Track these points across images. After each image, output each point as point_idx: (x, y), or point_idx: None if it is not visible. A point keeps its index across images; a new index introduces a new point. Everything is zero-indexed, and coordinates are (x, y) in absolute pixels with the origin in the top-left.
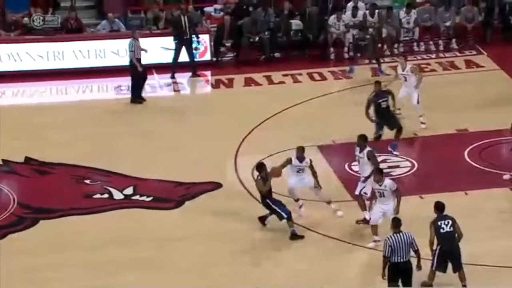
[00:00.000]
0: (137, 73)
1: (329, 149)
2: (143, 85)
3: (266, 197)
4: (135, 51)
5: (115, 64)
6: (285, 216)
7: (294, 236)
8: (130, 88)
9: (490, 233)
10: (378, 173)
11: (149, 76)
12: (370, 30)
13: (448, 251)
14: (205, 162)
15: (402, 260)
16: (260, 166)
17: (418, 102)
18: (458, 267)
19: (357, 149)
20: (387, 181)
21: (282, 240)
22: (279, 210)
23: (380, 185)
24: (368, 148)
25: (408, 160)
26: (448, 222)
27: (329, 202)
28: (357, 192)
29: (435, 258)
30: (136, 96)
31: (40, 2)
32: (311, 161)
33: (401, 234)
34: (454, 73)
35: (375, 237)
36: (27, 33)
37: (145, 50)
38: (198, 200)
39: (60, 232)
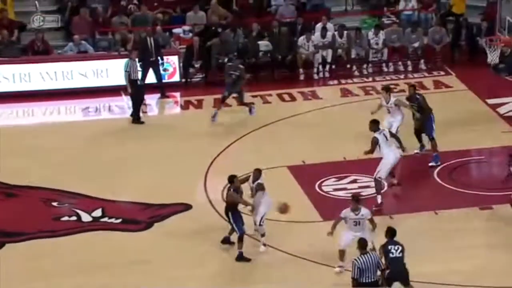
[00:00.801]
0: (129, 94)
1: (299, 169)
2: (138, 106)
3: (231, 209)
4: (130, 71)
5: (82, 86)
6: (238, 234)
7: (241, 258)
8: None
9: (458, 253)
10: (354, 202)
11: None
12: (339, 51)
13: (396, 274)
14: (174, 183)
15: (370, 280)
16: (232, 178)
17: (396, 132)
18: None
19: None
20: (364, 210)
21: (253, 262)
22: (235, 226)
23: (357, 214)
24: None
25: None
26: (398, 248)
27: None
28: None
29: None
30: (136, 117)
31: (6, 23)
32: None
33: (368, 255)
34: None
35: (340, 262)
36: None
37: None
38: (167, 222)
39: (27, 255)
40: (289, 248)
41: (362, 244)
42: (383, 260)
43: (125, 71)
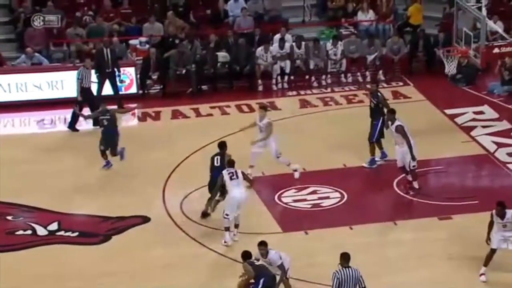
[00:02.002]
0: (77, 102)
1: (258, 180)
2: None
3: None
4: (82, 79)
5: (37, 98)
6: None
7: (204, 215)
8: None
9: (418, 263)
10: (261, 244)
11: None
12: (298, 62)
13: None
14: (132, 195)
15: None
16: (222, 144)
17: (278, 157)
18: None
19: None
20: (271, 254)
21: (214, 273)
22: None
23: (265, 259)
24: (397, 123)
25: (337, 191)
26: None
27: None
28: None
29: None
30: (71, 125)
31: None
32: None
33: (349, 269)
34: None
35: None
36: None
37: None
38: (125, 235)
39: None
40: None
41: (345, 257)
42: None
43: (77, 78)
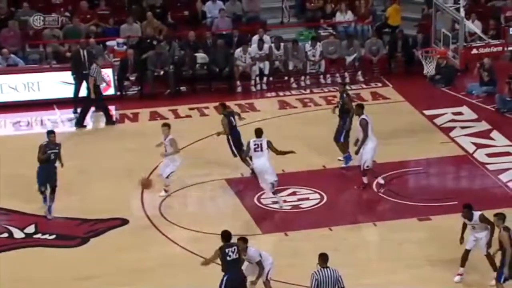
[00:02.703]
0: (89, 100)
1: (237, 182)
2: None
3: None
4: (96, 76)
5: (13, 99)
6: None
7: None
8: (79, 113)
9: (397, 264)
10: (240, 240)
11: (49, 111)
12: (277, 63)
13: None
14: (110, 198)
15: None
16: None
17: (167, 177)
18: None
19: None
20: (250, 251)
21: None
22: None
23: (244, 256)
24: (363, 117)
25: (317, 192)
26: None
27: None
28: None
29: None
30: (79, 123)
31: None
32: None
33: (328, 269)
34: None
35: None
36: None
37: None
38: (104, 237)
39: None
40: None
41: (323, 258)
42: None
43: (91, 75)
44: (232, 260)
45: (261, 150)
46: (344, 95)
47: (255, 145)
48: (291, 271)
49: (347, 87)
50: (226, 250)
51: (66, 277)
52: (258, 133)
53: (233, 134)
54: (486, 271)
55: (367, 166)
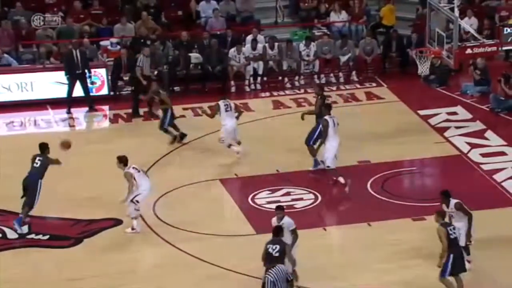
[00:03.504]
0: (141, 88)
1: (231, 182)
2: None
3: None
4: (142, 66)
5: (6, 99)
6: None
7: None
8: (133, 103)
9: (391, 264)
10: (278, 209)
11: (43, 112)
12: (271, 63)
13: None
14: (104, 198)
15: None
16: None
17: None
18: None
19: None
20: (286, 219)
21: (186, 277)
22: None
23: (280, 222)
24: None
25: (311, 192)
26: (276, 248)
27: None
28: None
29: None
30: (136, 112)
31: None
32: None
33: (278, 267)
34: (355, 105)
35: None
36: None
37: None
38: (97, 237)
39: None
40: (223, 263)
41: (271, 258)
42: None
43: (138, 65)
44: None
45: (231, 110)
46: (319, 97)
47: (225, 105)
48: None
49: (324, 90)
50: (268, 246)
51: (59, 278)
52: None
53: None
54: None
55: (328, 166)
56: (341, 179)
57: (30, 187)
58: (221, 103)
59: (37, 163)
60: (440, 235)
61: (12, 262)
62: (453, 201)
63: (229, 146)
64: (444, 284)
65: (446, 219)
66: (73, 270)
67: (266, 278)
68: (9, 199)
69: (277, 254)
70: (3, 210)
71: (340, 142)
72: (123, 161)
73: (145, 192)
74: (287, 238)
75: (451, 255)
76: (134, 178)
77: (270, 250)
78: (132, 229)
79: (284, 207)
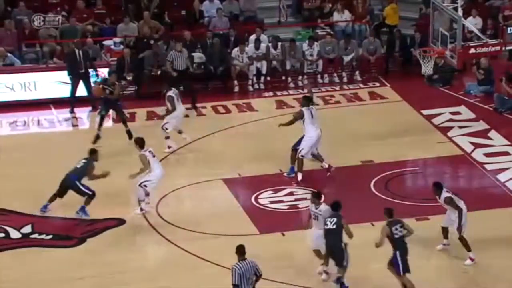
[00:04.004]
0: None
1: (234, 182)
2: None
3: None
4: (173, 61)
5: (9, 99)
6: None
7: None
8: (192, 98)
9: None
10: (315, 196)
11: (46, 111)
12: (274, 62)
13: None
14: (107, 198)
15: (248, 286)
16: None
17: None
18: None
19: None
20: (323, 206)
21: (190, 276)
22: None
23: (316, 208)
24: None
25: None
26: (400, 227)
27: None
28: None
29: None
30: (194, 104)
31: None
32: None
33: (246, 261)
34: (358, 105)
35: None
36: None
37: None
38: (101, 237)
39: None
40: (226, 262)
41: (241, 250)
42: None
43: (167, 60)
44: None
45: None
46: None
47: (175, 94)
48: (288, 271)
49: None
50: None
51: (62, 277)
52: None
53: None
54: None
55: (302, 156)
56: (299, 176)
57: (71, 188)
58: (172, 92)
59: (79, 164)
60: (381, 232)
61: (14, 262)
62: (444, 194)
63: (179, 132)
64: (403, 282)
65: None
66: (76, 269)
67: (233, 269)
68: (12, 198)
69: (334, 226)
70: (6, 209)
71: (320, 135)
72: (138, 143)
73: (155, 180)
74: (322, 226)
75: (397, 253)
76: (149, 162)
77: (328, 222)
78: (141, 210)
79: (322, 195)
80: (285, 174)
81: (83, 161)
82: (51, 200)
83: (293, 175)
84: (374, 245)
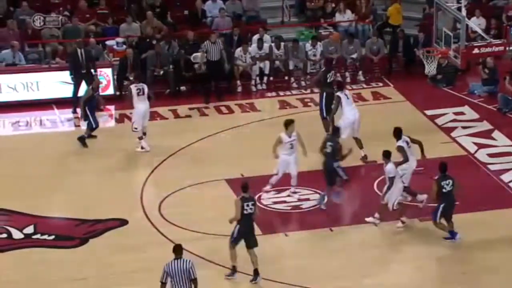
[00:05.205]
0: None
1: (237, 182)
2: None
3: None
4: (207, 52)
5: (12, 99)
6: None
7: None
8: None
9: (400, 265)
10: (385, 156)
11: (49, 111)
12: (277, 62)
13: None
14: (110, 198)
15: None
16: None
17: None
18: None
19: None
20: (388, 166)
21: None
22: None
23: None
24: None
25: (317, 192)
26: (449, 182)
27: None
28: None
29: (439, 212)
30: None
31: None
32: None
33: (180, 260)
34: (362, 105)
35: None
36: None
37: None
38: (103, 238)
39: None
40: (229, 263)
41: (177, 250)
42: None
43: (202, 51)
44: (247, 214)
45: (143, 94)
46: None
47: (137, 90)
48: (291, 272)
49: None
50: (442, 183)
51: (64, 278)
52: (140, 78)
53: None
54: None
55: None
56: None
57: (333, 172)
58: (133, 86)
59: (328, 149)
60: (235, 205)
61: (17, 262)
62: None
63: (140, 138)
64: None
65: None
66: (78, 270)
67: (163, 267)
68: (14, 198)
69: (450, 188)
70: (9, 210)
71: (357, 116)
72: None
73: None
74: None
75: (238, 227)
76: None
77: (444, 185)
78: (142, 148)
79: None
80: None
81: (329, 144)
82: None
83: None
84: (431, 194)
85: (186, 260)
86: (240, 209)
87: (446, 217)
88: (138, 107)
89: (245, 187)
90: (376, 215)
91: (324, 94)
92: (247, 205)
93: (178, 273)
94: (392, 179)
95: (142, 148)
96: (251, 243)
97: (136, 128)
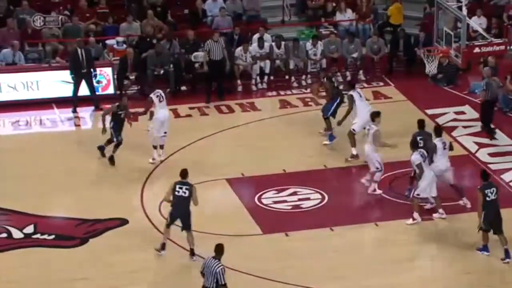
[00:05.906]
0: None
1: (238, 182)
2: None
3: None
4: (209, 51)
5: (12, 98)
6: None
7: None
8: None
9: (400, 264)
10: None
11: (49, 111)
12: (278, 62)
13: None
14: (110, 198)
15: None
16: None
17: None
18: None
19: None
20: (414, 155)
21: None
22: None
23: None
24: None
25: (318, 192)
26: (493, 190)
27: None
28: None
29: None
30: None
31: None
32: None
33: (214, 260)
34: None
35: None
36: None
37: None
38: (103, 237)
39: None
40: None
41: (217, 250)
42: None
43: (204, 50)
44: (180, 196)
45: (164, 100)
46: (326, 79)
47: (157, 97)
48: (291, 271)
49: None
50: (486, 191)
51: (64, 278)
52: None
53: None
54: None
55: (353, 129)
56: (354, 151)
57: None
58: (153, 95)
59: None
60: (478, 194)
61: (17, 262)
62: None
63: (155, 147)
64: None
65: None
66: (78, 270)
67: (223, 269)
68: (14, 198)
69: (495, 197)
70: (9, 209)
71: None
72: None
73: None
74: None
75: (170, 210)
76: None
77: (488, 193)
78: (153, 159)
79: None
80: (325, 142)
81: (420, 138)
82: None
83: (332, 141)
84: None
85: (218, 264)
86: (171, 191)
87: (493, 227)
88: (160, 112)
89: (184, 174)
90: (441, 210)
91: (338, 99)
92: (180, 188)
93: (208, 271)
94: (419, 167)
95: (153, 159)
96: (184, 226)
97: (153, 135)
